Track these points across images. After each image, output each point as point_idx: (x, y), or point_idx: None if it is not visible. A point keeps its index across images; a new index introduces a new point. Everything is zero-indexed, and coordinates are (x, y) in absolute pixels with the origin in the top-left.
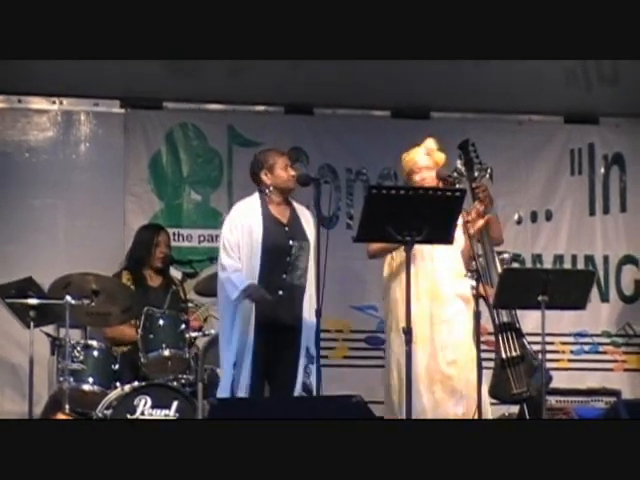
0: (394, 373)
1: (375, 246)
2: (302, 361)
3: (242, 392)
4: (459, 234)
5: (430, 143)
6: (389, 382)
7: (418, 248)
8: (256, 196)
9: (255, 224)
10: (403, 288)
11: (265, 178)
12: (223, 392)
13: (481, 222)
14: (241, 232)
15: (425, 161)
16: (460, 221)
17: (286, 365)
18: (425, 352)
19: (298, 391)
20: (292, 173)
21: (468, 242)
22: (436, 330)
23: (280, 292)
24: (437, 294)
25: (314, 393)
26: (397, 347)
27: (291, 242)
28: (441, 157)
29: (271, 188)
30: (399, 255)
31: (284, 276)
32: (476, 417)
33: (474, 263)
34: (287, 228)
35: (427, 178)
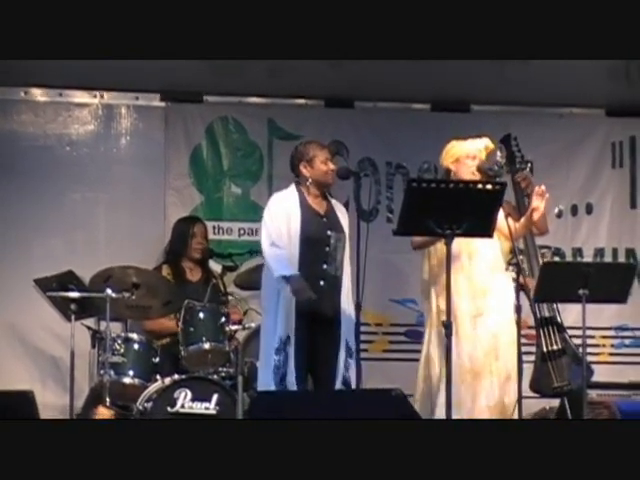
0: (421, 371)
1: (419, 237)
2: (342, 354)
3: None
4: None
5: (488, 142)
6: (420, 374)
7: (456, 247)
8: (293, 187)
9: (293, 214)
10: (442, 286)
11: (305, 170)
12: (265, 379)
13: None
14: (281, 221)
15: (478, 152)
16: (501, 214)
17: (327, 357)
18: (465, 348)
19: (338, 384)
20: (332, 167)
21: (509, 236)
22: (477, 323)
23: (322, 282)
24: (476, 290)
25: (353, 387)
26: (431, 343)
27: (329, 232)
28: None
29: (310, 180)
30: (438, 253)
31: (325, 266)
32: (516, 410)
33: (514, 257)
34: (325, 219)
35: (473, 167)
